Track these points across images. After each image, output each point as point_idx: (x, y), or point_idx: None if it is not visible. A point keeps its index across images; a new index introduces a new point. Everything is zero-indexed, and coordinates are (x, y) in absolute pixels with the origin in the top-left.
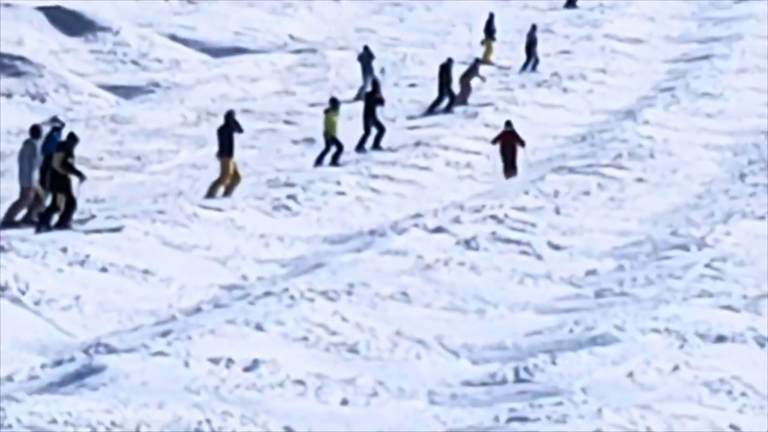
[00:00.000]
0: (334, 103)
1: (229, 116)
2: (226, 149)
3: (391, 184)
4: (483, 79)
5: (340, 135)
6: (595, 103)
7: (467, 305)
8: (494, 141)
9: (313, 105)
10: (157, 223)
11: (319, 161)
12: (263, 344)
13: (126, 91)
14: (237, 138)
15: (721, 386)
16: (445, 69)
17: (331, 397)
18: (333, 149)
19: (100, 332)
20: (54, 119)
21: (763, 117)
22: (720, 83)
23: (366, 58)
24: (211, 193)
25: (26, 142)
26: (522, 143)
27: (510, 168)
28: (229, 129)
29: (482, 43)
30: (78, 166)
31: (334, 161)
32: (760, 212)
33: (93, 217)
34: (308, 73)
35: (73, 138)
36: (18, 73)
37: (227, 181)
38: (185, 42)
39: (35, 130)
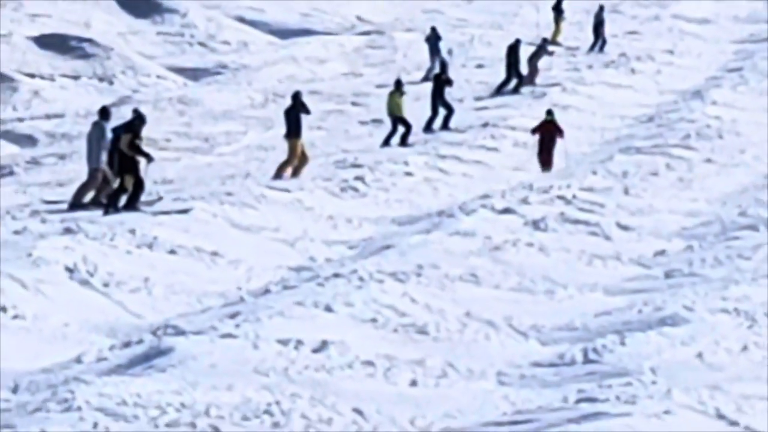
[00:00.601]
0: (398, 85)
1: (296, 97)
2: (293, 130)
3: (459, 164)
4: (551, 53)
5: (409, 115)
6: (663, 83)
7: (536, 286)
8: (534, 131)
9: (380, 86)
10: (225, 204)
11: (386, 142)
12: (332, 325)
13: (194, 73)
14: (305, 119)
15: None
16: (513, 50)
17: (400, 378)
18: (400, 130)
19: (168, 314)
20: (136, 111)
21: None
22: None
23: (433, 39)
24: (278, 175)
25: (95, 124)
26: (561, 134)
27: (546, 161)
28: (296, 110)
29: (555, 21)
30: (145, 148)
31: (403, 142)
32: None
33: (161, 198)
34: (376, 54)
35: (140, 119)
36: (86, 56)
37: (295, 162)
38: (253, 24)
39: (104, 112)
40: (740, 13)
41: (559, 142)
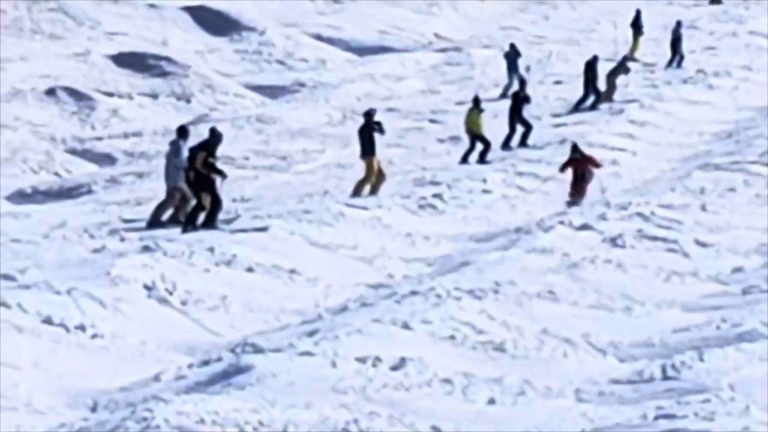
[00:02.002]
0: (477, 102)
1: (369, 116)
2: (368, 149)
3: (537, 181)
4: (628, 71)
5: (487, 132)
6: (741, 99)
7: (614, 303)
8: (563, 168)
9: (459, 103)
10: (303, 222)
11: (464, 159)
12: (410, 343)
13: (271, 91)
14: (381, 137)
15: None
16: (591, 66)
17: (478, 396)
18: (479, 147)
19: (246, 332)
20: (212, 130)
21: None
22: None
23: (512, 55)
24: (356, 192)
25: (172, 143)
26: (597, 165)
27: (577, 192)
28: (369, 129)
29: (634, 37)
30: (221, 165)
31: (482, 159)
32: None
33: (239, 216)
34: (453, 71)
35: (215, 137)
36: (163, 74)
37: (373, 179)
38: (330, 41)
39: (182, 131)
40: None
41: (595, 174)
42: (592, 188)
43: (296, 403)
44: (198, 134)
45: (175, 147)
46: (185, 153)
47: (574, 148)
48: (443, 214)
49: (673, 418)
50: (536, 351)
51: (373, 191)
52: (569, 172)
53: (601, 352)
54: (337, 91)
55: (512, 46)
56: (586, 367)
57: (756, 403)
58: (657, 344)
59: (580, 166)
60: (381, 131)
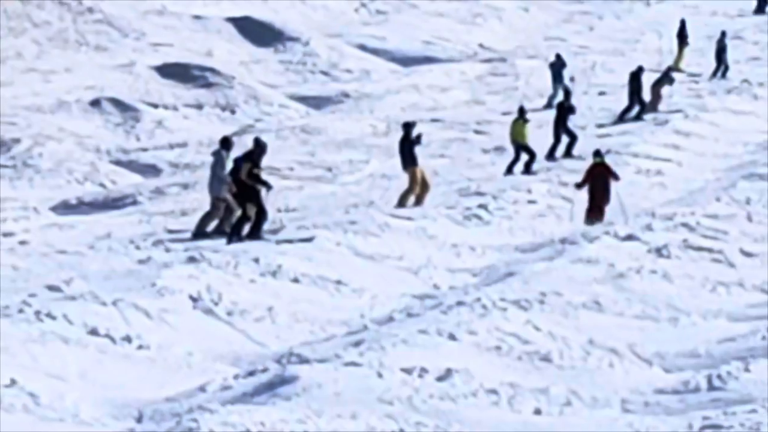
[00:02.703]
0: (522, 112)
1: (407, 127)
2: (408, 160)
3: (582, 192)
4: (672, 81)
5: (532, 143)
6: None
7: (659, 313)
8: (580, 184)
9: (505, 114)
10: (348, 233)
11: (509, 170)
12: (456, 354)
13: (316, 102)
14: (427, 147)
15: None
16: (636, 77)
17: (524, 406)
18: (524, 158)
19: (292, 342)
20: (256, 140)
21: None
22: None
23: (557, 66)
24: (401, 203)
25: (215, 153)
26: (615, 177)
27: (596, 209)
28: (408, 140)
29: (679, 47)
30: (266, 176)
31: (527, 170)
32: None
33: (284, 227)
34: (498, 82)
35: (260, 147)
36: (208, 85)
37: (417, 190)
38: (375, 52)
39: (225, 142)
40: None
41: (612, 186)
42: (610, 203)
43: (342, 414)
44: (243, 145)
45: (218, 158)
46: (229, 164)
47: (597, 153)
48: (488, 225)
49: (719, 429)
50: (582, 361)
51: (418, 202)
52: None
53: (646, 362)
54: (382, 102)
55: (558, 56)
56: (631, 377)
57: None
58: (703, 354)
59: (600, 175)
60: (418, 142)
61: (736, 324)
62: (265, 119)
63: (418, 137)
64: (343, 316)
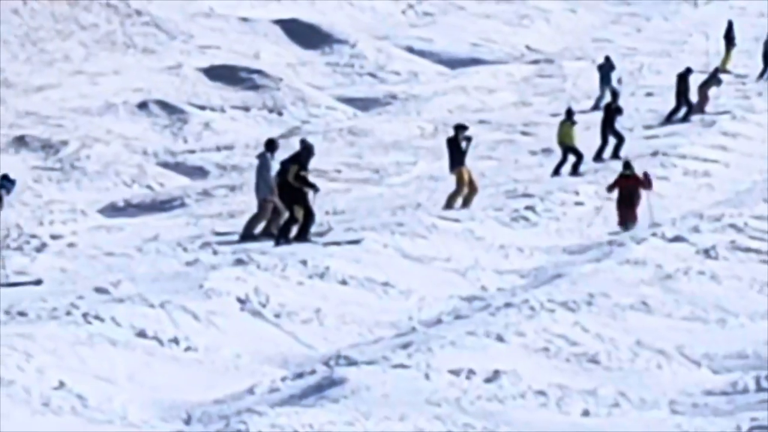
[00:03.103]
0: (569, 114)
1: (458, 129)
2: (455, 161)
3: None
4: (720, 82)
5: (579, 144)
6: None
7: (708, 315)
8: (610, 188)
9: (552, 115)
10: (396, 235)
11: (556, 172)
12: (504, 355)
13: (363, 104)
14: (475, 149)
15: None
16: (683, 78)
17: (572, 407)
18: (571, 159)
19: (340, 345)
20: (303, 141)
21: None
22: None
23: (606, 68)
24: (449, 205)
25: (261, 155)
26: (648, 185)
27: (626, 215)
28: (457, 142)
29: (726, 49)
30: (314, 178)
31: (574, 171)
32: None
33: (332, 229)
34: (545, 83)
35: (307, 150)
36: (255, 87)
37: (464, 191)
38: (422, 54)
39: (270, 144)
40: None
41: (643, 196)
42: (640, 211)
43: (390, 416)
44: (290, 147)
45: (263, 160)
46: (275, 166)
47: (627, 165)
48: (536, 227)
49: (767, 430)
50: (630, 363)
51: (466, 204)
52: (616, 192)
53: (695, 363)
54: (429, 104)
55: (607, 58)
56: (680, 378)
57: None
58: (751, 356)
59: (629, 186)
60: (467, 144)
61: None
62: (312, 121)
63: (468, 140)
64: (390, 318)
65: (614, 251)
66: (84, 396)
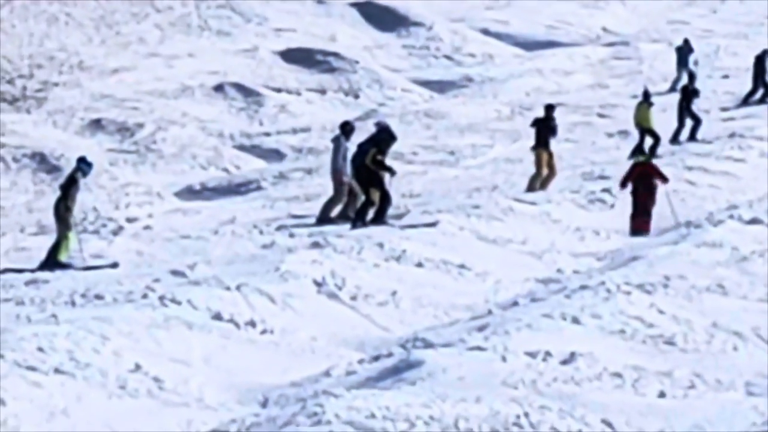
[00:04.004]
0: (646, 96)
1: (549, 109)
2: (541, 141)
3: (706, 175)
4: None
5: (656, 127)
6: None
7: None
8: (624, 182)
9: (632, 97)
10: (472, 217)
11: (633, 154)
12: (580, 337)
13: (439, 86)
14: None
15: None
16: (760, 60)
17: (648, 389)
18: (648, 141)
19: (416, 327)
20: (381, 126)
21: None
22: None
23: (684, 50)
24: (531, 187)
25: (336, 138)
26: (664, 179)
27: (641, 216)
28: (545, 122)
29: None
30: (390, 161)
31: (651, 153)
32: None
33: (408, 212)
34: (621, 65)
35: (388, 134)
36: (331, 69)
37: (543, 172)
38: (498, 36)
39: (345, 126)
40: None
41: (660, 189)
42: (659, 209)
43: (467, 398)
44: (366, 130)
45: (338, 143)
46: (350, 149)
47: (639, 150)
48: (613, 209)
49: None
50: (706, 344)
51: (543, 186)
52: (630, 187)
53: None
54: (505, 86)
55: (686, 41)
56: (756, 360)
57: None
58: None
59: (644, 176)
60: (554, 132)
61: None
62: (388, 104)
63: (554, 127)
64: (466, 301)
65: (691, 233)
66: (160, 378)
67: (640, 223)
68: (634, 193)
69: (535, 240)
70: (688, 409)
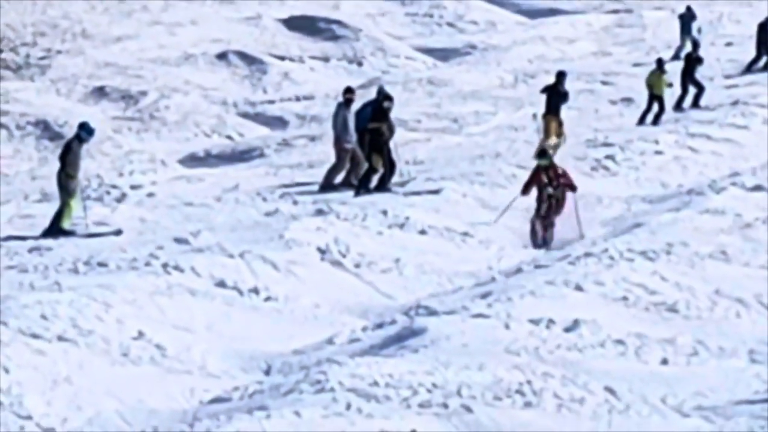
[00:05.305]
0: (660, 63)
1: (560, 76)
2: (551, 108)
3: (709, 142)
4: None
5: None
6: None
7: None
8: (526, 188)
9: (635, 65)
10: (475, 184)
11: (641, 120)
12: (583, 304)
13: (443, 54)
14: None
15: None
16: (764, 27)
17: (651, 356)
18: (655, 109)
19: (420, 294)
20: (380, 91)
21: None
22: None
23: (687, 17)
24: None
25: (339, 105)
26: (571, 187)
27: (541, 222)
28: (557, 89)
29: None
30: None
31: (655, 121)
32: None
33: (412, 179)
34: (625, 33)
35: (387, 99)
36: (335, 37)
37: (552, 141)
38: (501, 4)
39: (346, 93)
40: None
41: (568, 199)
42: (565, 220)
43: (470, 365)
44: (369, 97)
45: (340, 110)
46: (352, 116)
47: (542, 153)
48: (616, 176)
49: None
50: (709, 312)
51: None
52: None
53: None
54: (509, 54)
55: (688, 8)
56: (759, 327)
57: None
58: None
59: (549, 181)
60: (565, 99)
61: None
62: (391, 71)
63: (565, 94)
64: (470, 268)
65: (693, 200)
66: (163, 346)
67: (542, 232)
68: (539, 201)
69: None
70: (690, 376)
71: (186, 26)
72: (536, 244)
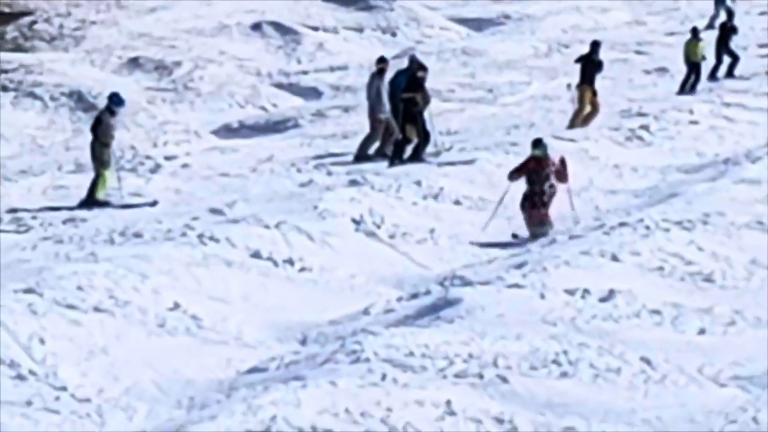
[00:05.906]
0: (695, 32)
1: (594, 45)
2: (586, 78)
3: (744, 112)
4: None
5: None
6: None
7: None
8: (513, 174)
9: (669, 34)
10: (510, 155)
11: (682, 89)
12: (619, 274)
13: (477, 24)
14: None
15: None
16: None
17: (687, 326)
18: (692, 78)
19: (455, 265)
20: (412, 59)
21: None
22: None
23: None
24: (572, 124)
25: (372, 75)
26: (564, 177)
27: (537, 216)
28: (591, 59)
29: None
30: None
31: (691, 89)
32: None
33: (447, 149)
34: (659, 2)
35: (422, 69)
36: (368, 8)
37: (585, 111)
38: None
39: (381, 62)
40: None
41: (560, 190)
42: (557, 210)
43: (506, 335)
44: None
45: (374, 80)
46: (385, 86)
47: (538, 142)
48: (650, 146)
49: None
50: (745, 281)
51: (585, 123)
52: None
53: None
54: (543, 23)
55: None
56: None
57: None
58: None
59: (540, 172)
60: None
61: None
62: (425, 41)
63: (600, 64)
64: (505, 238)
65: (729, 170)
66: (199, 317)
67: (537, 214)
68: (529, 187)
69: (573, 177)
70: (727, 345)
71: None
72: (531, 234)
